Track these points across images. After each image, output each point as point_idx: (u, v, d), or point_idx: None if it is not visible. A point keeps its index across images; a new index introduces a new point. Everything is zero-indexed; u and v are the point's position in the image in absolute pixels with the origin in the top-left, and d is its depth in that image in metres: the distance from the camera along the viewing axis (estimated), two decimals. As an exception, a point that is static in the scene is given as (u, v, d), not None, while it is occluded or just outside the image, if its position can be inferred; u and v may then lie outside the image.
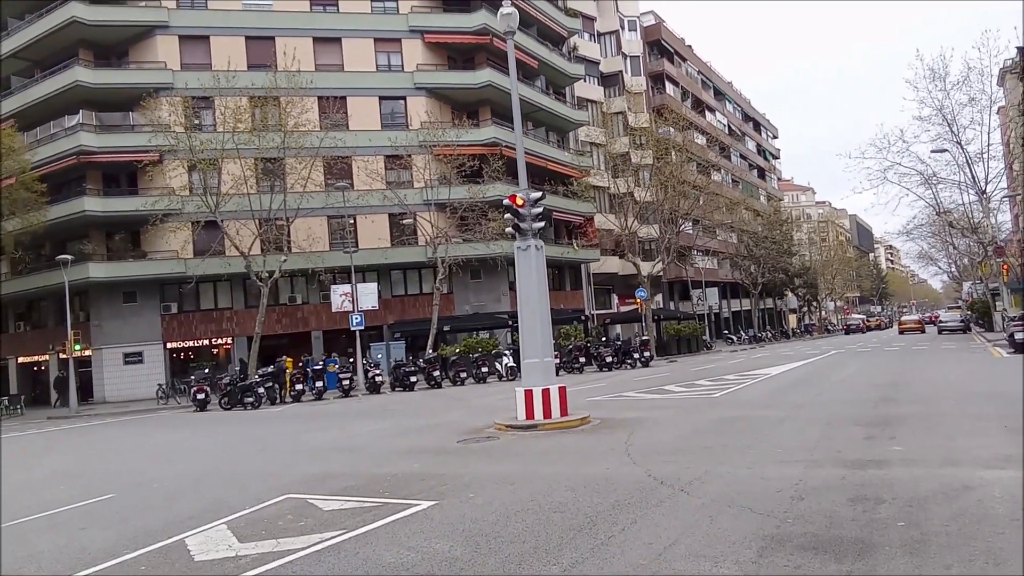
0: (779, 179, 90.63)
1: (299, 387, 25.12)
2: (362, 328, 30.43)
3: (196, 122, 31.40)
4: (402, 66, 37.83)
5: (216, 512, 7.62)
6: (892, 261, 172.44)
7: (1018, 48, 58.21)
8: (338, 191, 31.85)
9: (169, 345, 34.55)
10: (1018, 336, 21.17)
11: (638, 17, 57.17)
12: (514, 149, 37.08)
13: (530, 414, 12.32)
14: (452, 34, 37.93)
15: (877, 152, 37.66)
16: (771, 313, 74.30)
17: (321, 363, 26.60)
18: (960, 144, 35.61)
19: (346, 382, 25.53)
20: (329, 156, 32.84)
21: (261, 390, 23.77)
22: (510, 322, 34.41)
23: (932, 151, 35.23)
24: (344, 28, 36.93)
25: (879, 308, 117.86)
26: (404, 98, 37.62)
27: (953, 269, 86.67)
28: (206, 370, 28.03)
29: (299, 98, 30.28)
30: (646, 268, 51.44)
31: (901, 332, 51.94)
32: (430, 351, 29.75)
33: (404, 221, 37.57)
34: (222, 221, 29.86)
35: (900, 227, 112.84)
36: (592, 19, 51.10)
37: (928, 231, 74.30)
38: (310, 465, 10.45)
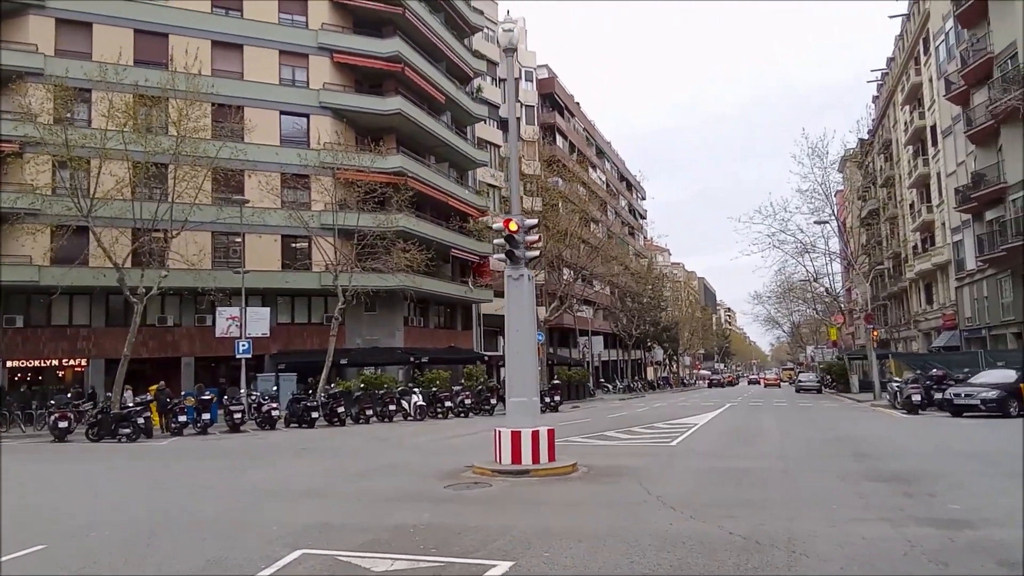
0: (645, 238, 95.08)
1: (182, 419, 22.25)
2: (249, 356, 27.90)
3: (68, 115, 27.80)
4: (307, 83, 35.95)
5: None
6: (730, 322, 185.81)
7: (860, 139, 65.01)
8: (233, 205, 29.30)
9: (9, 364, 29.84)
10: (915, 399, 22.80)
11: (535, 69, 58.47)
12: (420, 181, 36.33)
13: (517, 458, 11.30)
14: (363, 57, 36.62)
15: (763, 219, 40.13)
16: (635, 364, 76.96)
17: (208, 393, 23.78)
18: (835, 217, 38.74)
19: (237, 415, 22.94)
20: (221, 167, 30.18)
21: (141, 420, 20.79)
22: (411, 359, 33.00)
23: (816, 222, 38.05)
24: (247, 35, 34.62)
25: (722, 365, 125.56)
26: (307, 116, 35.67)
27: (785, 333, 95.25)
28: (68, 394, 24.28)
29: (197, 102, 27.68)
30: (540, 313, 51.74)
31: (765, 386, 56.30)
32: (328, 385, 27.57)
33: (296, 244, 35.28)
34: (95, 228, 26.38)
35: (751, 293, 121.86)
36: (495, 64, 51.57)
37: (776, 297, 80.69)
38: (285, 512, 8.83)
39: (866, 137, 65.00)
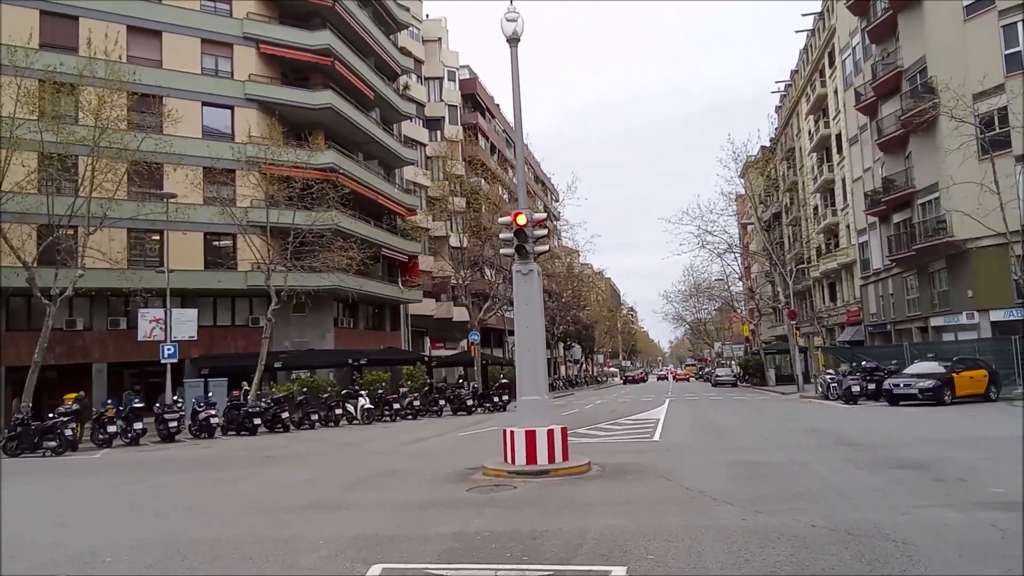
0: (558, 240, 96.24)
1: (112, 429, 20.47)
2: (175, 361, 26.14)
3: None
4: (232, 73, 34.13)
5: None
6: (633, 321, 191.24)
7: (762, 147, 68.19)
8: (156, 200, 27.37)
9: None
10: (855, 390, 23.99)
11: (457, 69, 58.02)
12: (352, 179, 35.21)
13: (532, 458, 10.97)
14: (292, 49, 35.10)
15: (691, 220, 41.33)
16: (551, 363, 77.81)
17: (137, 400, 21.99)
18: (759, 220, 40.37)
19: (172, 424, 21.35)
20: (142, 160, 28.11)
21: (68, 432, 18.98)
22: (349, 361, 31.87)
23: (743, 222, 39.47)
24: (167, 21, 32.49)
25: (628, 363, 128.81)
26: (232, 108, 33.84)
27: (687, 330, 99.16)
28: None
29: (119, 90, 25.64)
30: (461, 313, 51.29)
31: (676, 380, 58.35)
32: (261, 391, 26.15)
33: (221, 243, 33.43)
34: (2, 223, 23.94)
35: (661, 291, 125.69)
36: (421, 62, 50.81)
37: (684, 296, 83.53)
38: (315, 526, 8.16)
39: (767, 144, 68.37)
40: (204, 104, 33.19)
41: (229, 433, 23.00)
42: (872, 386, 24.35)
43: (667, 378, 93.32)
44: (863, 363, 26.78)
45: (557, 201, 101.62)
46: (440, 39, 55.62)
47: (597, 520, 7.63)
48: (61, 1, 29.98)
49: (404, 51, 45.95)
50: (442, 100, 54.40)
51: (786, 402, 28.70)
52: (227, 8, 34.61)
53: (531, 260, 11.55)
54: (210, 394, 25.30)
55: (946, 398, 21.33)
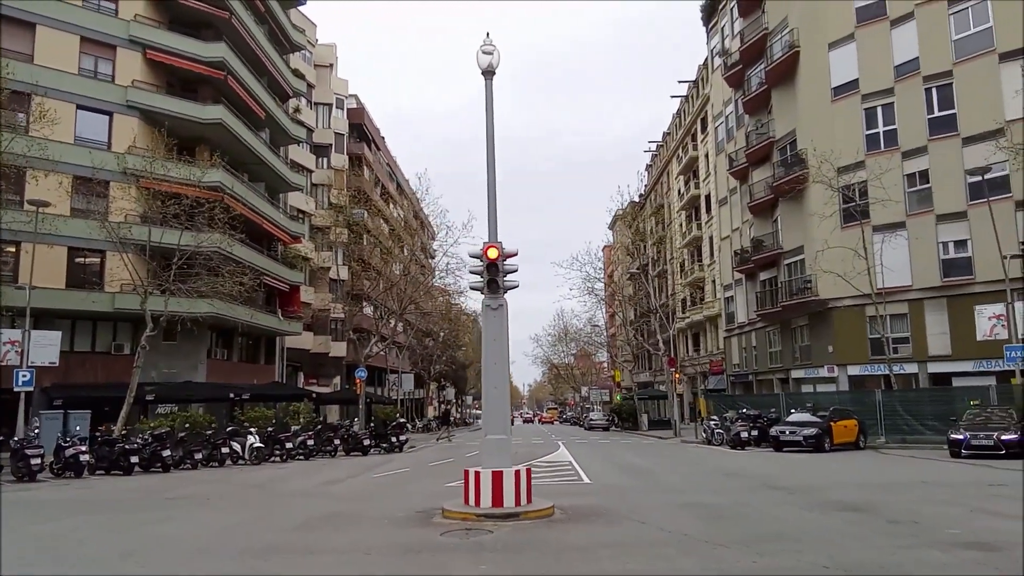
0: (433, 278, 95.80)
1: (-43, 466, 17.71)
2: (31, 389, 23.24)
3: None
4: (113, 77, 31.53)
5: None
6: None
7: (631, 201, 72.01)
8: (16, 207, 24.49)
9: None
10: (743, 435, 25.34)
11: (346, 97, 57.10)
12: (238, 200, 33.42)
13: (499, 501, 10.62)
14: (183, 59, 33.02)
15: (581, 266, 42.61)
16: (416, 403, 76.53)
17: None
18: (646, 271, 42.24)
19: (35, 461, 18.80)
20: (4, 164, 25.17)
21: (-92, 469, 16.20)
22: (231, 395, 29.72)
23: (633, 270, 41.11)
24: (42, 13, 29.60)
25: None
26: (111, 114, 31.16)
27: (544, 374, 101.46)
28: None
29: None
30: (339, 348, 49.52)
31: (541, 423, 59.44)
32: (128, 427, 23.72)
33: (87, 260, 30.42)
34: None
35: (532, 334, 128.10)
36: (312, 87, 49.52)
37: (554, 339, 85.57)
38: (296, 571, 7.42)
39: (637, 200, 72.34)
40: (79, 107, 30.34)
41: (98, 472, 20.59)
42: (756, 432, 25.88)
43: (533, 421, 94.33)
44: (745, 410, 28.46)
45: (433, 239, 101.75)
46: (331, 65, 54.59)
47: (610, 565, 7.49)
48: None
49: (297, 73, 44.63)
50: (330, 127, 53.17)
51: (672, 446, 29.84)
52: (112, 7, 32.09)
53: (501, 295, 11.37)
54: (77, 428, 22.58)
55: (826, 445, 23.07)
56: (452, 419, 55.25)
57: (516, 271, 11.66)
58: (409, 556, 8.21)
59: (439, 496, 13.21)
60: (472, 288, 11.45)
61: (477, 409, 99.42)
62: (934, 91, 32.08)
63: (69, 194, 28.94)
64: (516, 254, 11.66)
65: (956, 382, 29.02)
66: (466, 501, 10.96)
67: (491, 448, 11.05)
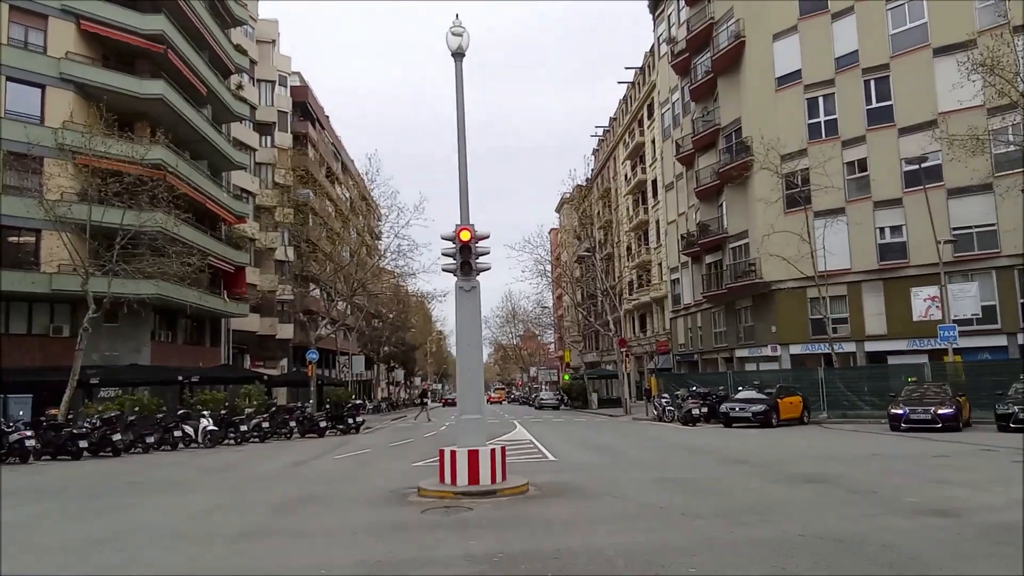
0: (380, 258, 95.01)
1: None
2: (-35, 374, 22.24)
3: None
4: (45, 48, 30.02)
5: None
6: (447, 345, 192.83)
7: (578, 185, 72.54)
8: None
9: None
10: (695, 412, 26.12)
11: (289, 75, 55.72)
12: (181, 179, 32.45)
13: (475, 479, 10.76)
14: (120, 31, 31.61)
15: (533, 249, 42.87)
16: (364, 384, 75.96)
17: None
18: (594, 251, 42.77)
19: (-25, 448, 18.04)
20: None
21: None
22: (179, 378, 28.95)
23: (583, 253, 41.57)
24: (-33, -23, 27.97)
25: (439, 386, 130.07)
26: (43, 87, 29.69)
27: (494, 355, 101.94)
28: None
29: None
30: (286, 330, 48.73)
31: (490, 403, 60.50)
32: (73, 410, 22.91)
33: (21, 239, 29.10)
34: None
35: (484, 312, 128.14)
36: (255, 63, 48.11)
37: (503, 320, 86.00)
38: (287, 554, 7.49)
39: (583, 184, 73.04)
40: (9, 80, 28.85)
41: (44, 458, 19.87)
42: (705, 409, 26.71)
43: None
44: (695, 388, 29.31)
45: (379, 221, 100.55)
46: (273, 41, 53.14)
47: (600, 538, 7.70)
48: None
49: (239, 49, 43.26)
50: (273, 105, 51.88)
51: (626, 424, 30.52)
52: (43, -26, 30.48)
53: (474, 276, 11.44)
54: (21, 412, 21.67)
55: (773, 421, 24.01)
56: (428, 397, 54.98)
57: (488, 253, 11.74)
58: (397, 534, 8.27)
59: (408, 476, 13.29)
60: (444, 270, 11.48)
61: (427, 388, 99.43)
62: (872, 83, 33.35)
63: (2, 170, 27.59)
64: (488, 236, 11.73)
65: (891, 360, 30.51)
66: (441, 479, 11.07)
67: (467, 427, 11.17)
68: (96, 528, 9.24)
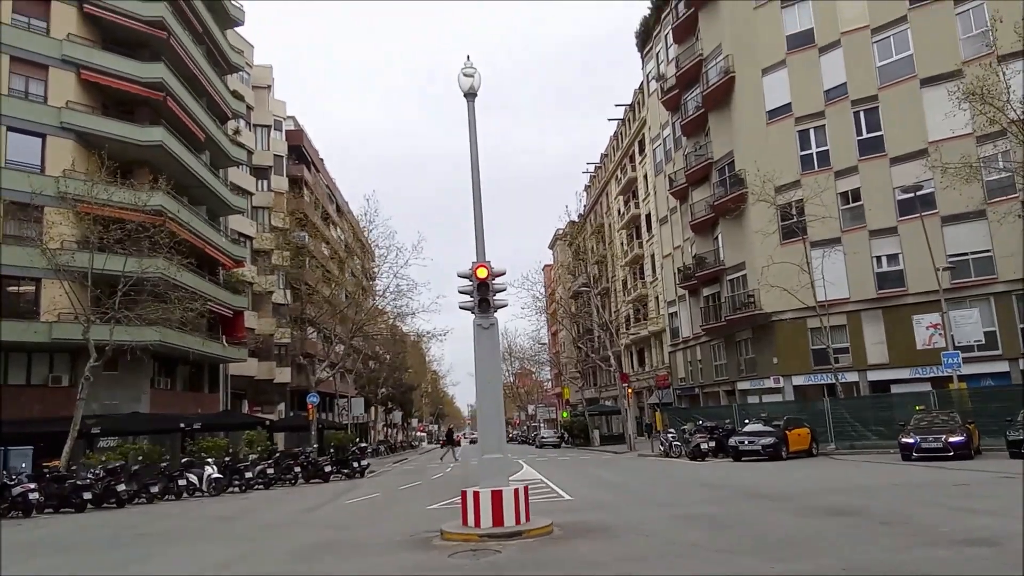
0: (373, 299, 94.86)
1: None
2: (-35, 426, 21.91)
3: None
4: (45, 98, 30.29)
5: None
6: (445, 385, 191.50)
7: (571, 221, 73.02)
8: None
9: None
10: (703, 447, 25.91)
11: (284, 119, 56.34)
12: (181, 225, 32.49)
13: (499, 520, 10.60)
14: (120, 79, 31.95)
15: (532, 286, 42.99)
16: (360, 427, 75.22)
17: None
18: (591, 286, 42.86)
19: (-20, 502, 17.68)
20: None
21: None
22: (181, 425, 28.61)
23: (579, 288, 41.63)
24: (-31, 32, 28.29)
25: (436, 427, 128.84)
26: (44, 136, 29.87)
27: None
28: None
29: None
30: (283, 374, 48.41)
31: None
32: (77, 462, 22.56)
33: (21, 288, 28.96)
34: None
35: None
36: (251, 108, 48.64)
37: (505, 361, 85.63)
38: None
39: (576, 220, 73.55)
40: (10, 130, 29.02)
41: (47, 511, 19.49)
42: (713, 444, 26.52)
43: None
44: (702, 422, 29.14)
45: (374, 261, 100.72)
46: (269, 86, 53.78)
47: (640, 577, 7.58)
48: None
49: (236, 95, 43.78)
50: (269, 149, 52.31)
51: (633, 460, 30.27)
52: (44, 26, 30.88)
53: (492, 313, 11.44)
54: (23, 464, 21.32)
55: (783, 454, 23.86)
56: (455, 438, 54.05)
57: (504, 290, 11.77)
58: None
59: (426, 519, 13.11)
60: (462, 308, 11.48)
61: (421, 431, 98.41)
62: (862, 114, 33.97)
63: (1, 219, 27.60)
64: (504, 273, 11.77)
65: (894, 389, 30.49)
66: (464, 522, 10.90)
67: (489, 467, 11.05)
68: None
